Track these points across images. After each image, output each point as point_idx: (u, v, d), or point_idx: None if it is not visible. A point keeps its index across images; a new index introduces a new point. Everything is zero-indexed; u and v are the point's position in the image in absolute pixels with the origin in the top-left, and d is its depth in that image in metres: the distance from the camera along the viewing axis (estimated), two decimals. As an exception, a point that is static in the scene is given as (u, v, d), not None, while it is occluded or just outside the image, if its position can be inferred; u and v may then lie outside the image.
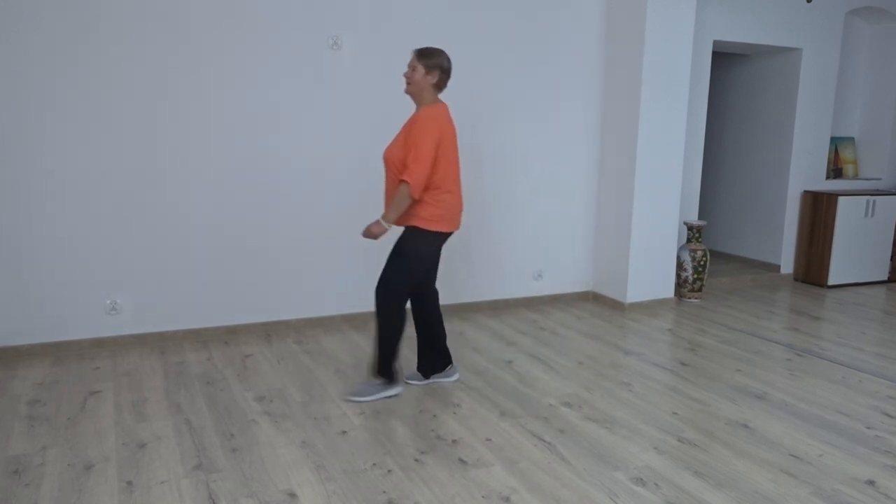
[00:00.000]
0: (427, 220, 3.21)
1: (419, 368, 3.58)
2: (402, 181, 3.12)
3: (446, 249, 4.81)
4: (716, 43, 5.62)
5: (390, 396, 3.39)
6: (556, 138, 5.08)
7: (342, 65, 4.32)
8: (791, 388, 3.62)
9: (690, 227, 5.45)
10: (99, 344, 3.99)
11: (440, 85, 3.26)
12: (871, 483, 2.63)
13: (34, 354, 3.86)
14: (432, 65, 3.21)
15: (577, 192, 5.23)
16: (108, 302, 3.99)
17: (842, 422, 3.20)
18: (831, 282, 6.03)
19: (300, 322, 4.46)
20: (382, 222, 3.17)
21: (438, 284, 4.82)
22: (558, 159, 5.10)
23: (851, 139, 6.54)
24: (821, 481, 2.63)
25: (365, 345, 4.17)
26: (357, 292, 4.60)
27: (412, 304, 3.52)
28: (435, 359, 3.57)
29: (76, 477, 2.56)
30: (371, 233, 3.19)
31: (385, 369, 3.35)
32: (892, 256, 6.27)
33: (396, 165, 3.20)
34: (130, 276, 4.01)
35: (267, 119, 4.18)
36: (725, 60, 6.60)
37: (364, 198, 4.51)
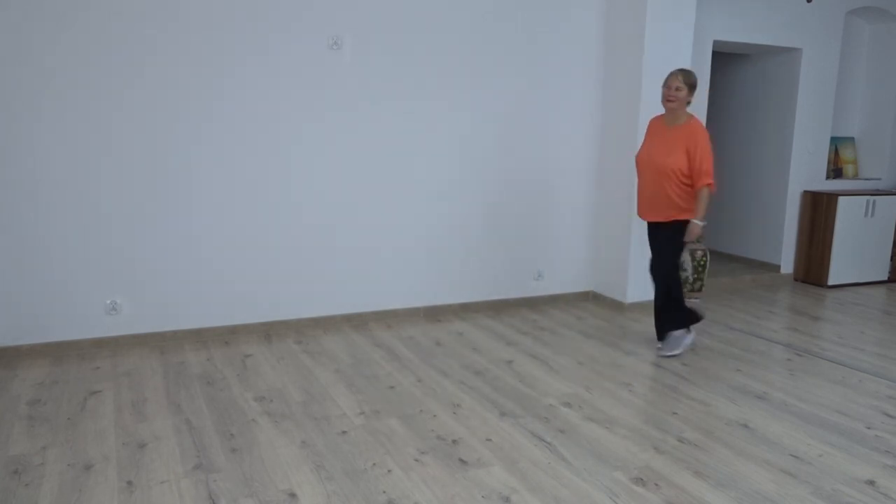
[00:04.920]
0: (694, 213, 3.85)
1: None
2: (705, 185, 3.75)
3: (450, 248, 4.82)
4: (716, 43, 5.62)
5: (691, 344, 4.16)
6: (557, 138, 5.07)
7: (342, 65, 4.32)
8: (791, 388, 3.62)
9: (690, 227, 5.44)
10: (99, 344, 3.99)
11: (691, 101, 3.92)
12: (871, 483, 2.63)
13: (34, 354, 3.86)
14: (691, 83, 3.85)
15: (578, 191, 5.23)
16: (108, 302, 3.99)
17: (842, 422, 3.20)
18: (831, 282, 6.03)
19: (300, 322, 4.46)
20: (697, 223, 3.81)
21: (434, 283, 4.84)
22: (558, 159, 5.10)
23: (851, 139, 6.54)
24: (821, 481, 2.64)
25: (364, 345, 4.17)
26: (357, 292, 4.60)
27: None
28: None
29: (76, 477, 2.56)
30: (694, 234, 3.83)
31: (684, 323, 4.10)
32: (892, 256, 6.27)
33: (676, 173, 3.79)
34: (130, 276, 4.01)
35: (266, 119, 4.18)
36: (725, 60, 6.59)
37: (363, 197, 4.52)
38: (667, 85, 3.85)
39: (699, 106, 5.53)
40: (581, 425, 3.10)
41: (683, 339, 4.11)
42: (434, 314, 4.86)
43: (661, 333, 4.13)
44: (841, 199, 5.89)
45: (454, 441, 2.91)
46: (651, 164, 3.91)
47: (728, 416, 3.23)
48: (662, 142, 3.90)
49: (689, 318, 4.10)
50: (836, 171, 6.44)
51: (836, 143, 6.46)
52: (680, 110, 3.87)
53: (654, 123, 4.05)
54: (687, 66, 4.97)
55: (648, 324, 4.76)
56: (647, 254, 5.12)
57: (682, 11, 4.86)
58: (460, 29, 4.61)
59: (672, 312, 4.07)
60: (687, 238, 3.85)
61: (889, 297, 5.78)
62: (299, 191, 4.34)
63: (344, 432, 2.97)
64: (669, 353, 4.06)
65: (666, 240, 3.98)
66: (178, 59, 3.93)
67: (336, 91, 4.33)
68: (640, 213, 4.09)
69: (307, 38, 4.20)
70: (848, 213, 5.95)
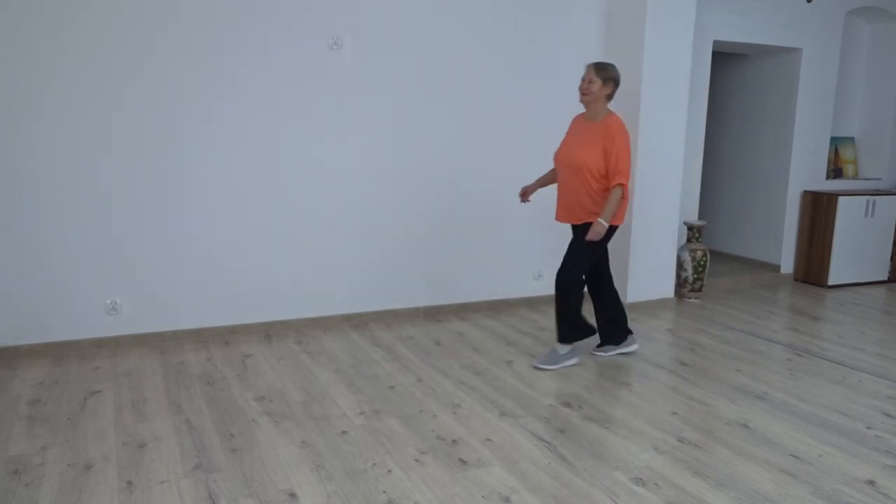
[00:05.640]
0: (616, 217, 3.63)
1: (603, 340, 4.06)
2: (617, 185, 3.53)
3: (450, 248, 4.82)
4: (716, 43, 5.62)
5: (572, 365, 3.87)
6: (556, 138, 5.06)
7: (342, 65, 4.32)
8: (791, 388, 3.62)
9: (690, 227, 5.44)
10: (99, 344, 3.99)
11: (611, 95, 3.67)
12: (871, 483, 2.63)
13: (34, 354, 3.86)
14: (608, 77, 3.60)
15: (577, 192, 5.23)
16: (108, 302, 3.99)
17: (842, 422, 3.20)
18: (831, 282, 6.03)
19: (300, 322, 4.46)
20: (602, 222, 3.54)
21: (434, 283, 4.83)
22: (558, 159, 5.10)
23: (851, 139, 6.54)
24: (821, 481, 2.64)
25: (364, 345, 4.17)
26: (357, 292, 4.60)
27: (591, 284, 3.98)
28: (612, 331, 4.03)
29: (76, 477, 2.56)
30: (597, 233, 3.54)
31: (569, 338, 3.86)
32: (892, 256, 6.27)
33: (590, 170, 3.58)
34: (130, 276, 4.01)
35: (266, 119, 4.18)
36: (725, 60, 6.60)
37: (363, 197, 4.52)
38: (581, 78, 3.66)
39: (700, 106, 5.54)
40: (581, 425, 3.10)
41: (567, 358, 3.84)
42: (434, 314, 4.86)
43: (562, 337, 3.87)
44: (841, 199, 5.89)
45: (454, 441, 2.91)
46: (565, 162, 3.69)
47: (728, 416, 3.23)
48: (579, 138, 3.69)
49: (578, 336, 3.87)
50: (836, 171, 6.44)
51: (836, 143, 6.46)
52: (596, 105, 3.64)
53: (575, 120, 3.83)
54: (685, 66, 4.97)
55: (648, 324, 4.76)
56: (648, 255, 5.14)
57: (682, 11, 4.86)
58: (460, 29, 4.61)
59: (567, 324, 3.81)
60: (588, 237, 3.56)
61: (889, 297, 5.78)
62: (299, 190, 4.33)
63: (344, 432, 2.98)
64: (543, 366, 3.79)
65: (576, 244, 3.75)
66: (178, 59, 3.93)
67: (336, 91, 4.33)
68: (556, 215, 3.85)
69: (307, 38, 4.20)
70: (848, 213, 5.95)
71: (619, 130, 3.56)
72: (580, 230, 3.72)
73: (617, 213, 3.63)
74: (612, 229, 3.68)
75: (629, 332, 4.10)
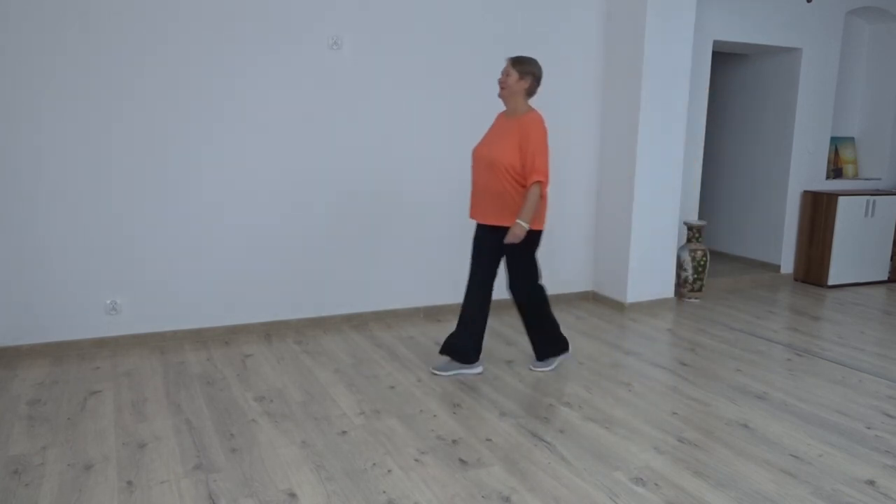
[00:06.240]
0: (537, 220, 3.49)
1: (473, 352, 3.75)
2: (536, 182, 3.37)
3: (447, 248, 4.81)
4: (716, 43, 5.62)
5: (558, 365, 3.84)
6: (556, 138, 5.06)
7: (342, 65, 4.32)
8: (791, 388, 3.62)
9: (690, 227, 5.44)
10: (99, 344, 3.99)
11: (531, 91, 3.51)
12: (871, 483, 2.63)
13: (34, 354, 3.86)
14: (525, 71, 3.46)
15: (578, 192, 5.23)
16: (108, 302, 3.99)
17: (842, 422, 3.20)
18: (831, 282, 6.03)
19: (300, 322, 4.46)
20: (522, 223, 3.38)
21: (434, 283, 4.83)
22: (558, 159, 5.09)
23: (851, 139, 6.54)
24: (821, 481, 2.64)
25: (364, 345, 4.17)
26: (357, 292, 4.60)
27: (483, 291, 3.66)
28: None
29: (76, 477, 2.56)
30: (516, 236, 3.39)
31: (558, 345, 3.80)
32: (892, 256, 6.27)
33: (506, 167, 3.41)
34: (130, 276, 4.01)
35: (266, 119, 4.18)
36: (725, 60, 6.60)
37: (364, 197, 4.51)
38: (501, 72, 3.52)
39: (700, 106, 5.54)
40: (581, 425, 3.10)
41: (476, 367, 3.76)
42: (434, 314, 4.85)
43: (541, 355, 3.81)
44: (841, 199, 5.89)
45: (454, 441, 2.91)
46: (481, 158, 3.52)
47: (728, 416, 3.23)
48: (496, 134, 3.54)
49: (562, 342, 3.80)
50: (836, 171, 6.44)
51: (836, 143, 6.46)
52: (515, 100, 3.49)
53: (497, 117, 3.66)
54: (685, 66, 4.97)
55: (648, 324, 4.76)
56: (648, 255, 5.14)
57: (682, 11, 4.86)
58: (460, 29, 4.61)
59: (547, 333, 3.75)
60: (507, 240, 3.41)
61: (889, 297, 5.78)
62: (298, 191, 4.33)
63: (344, 432, 2.98)
64: (543, 369, 3.79)
65: (513, 257, 3.56)
66: (178, 59, 3.92)
67: (336, 91, 4.33)
68: (470, 212, 3.64)
69: (307, 37, 4.20)
70: (848, 213, 5.95)
71: (534, 126, 3.40)
72: (497, 233, 3.52)
73: (537, 216, 3.47)
74: (536, 234, 3.51)
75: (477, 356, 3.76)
